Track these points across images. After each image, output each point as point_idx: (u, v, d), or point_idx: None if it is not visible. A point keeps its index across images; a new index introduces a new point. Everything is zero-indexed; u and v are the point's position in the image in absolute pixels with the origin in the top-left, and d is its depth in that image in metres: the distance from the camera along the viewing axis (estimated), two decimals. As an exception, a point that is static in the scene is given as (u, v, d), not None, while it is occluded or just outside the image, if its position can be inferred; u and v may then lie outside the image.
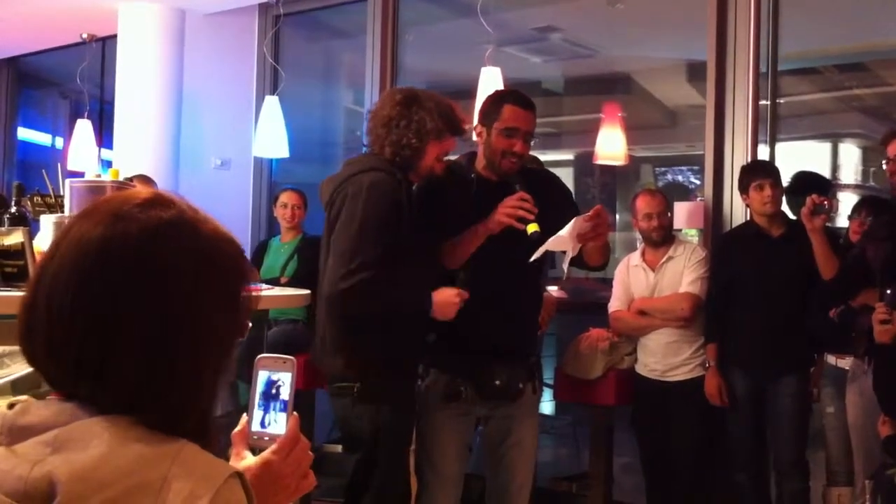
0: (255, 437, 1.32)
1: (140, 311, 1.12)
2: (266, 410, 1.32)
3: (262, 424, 1.32)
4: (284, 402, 1.32)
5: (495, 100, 3.30)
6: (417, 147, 3.06)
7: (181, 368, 1.14)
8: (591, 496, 4.51)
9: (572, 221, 2.98)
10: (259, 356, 1.34)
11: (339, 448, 5.52)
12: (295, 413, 1.34)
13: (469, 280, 3.10)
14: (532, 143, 3.29)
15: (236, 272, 1.22)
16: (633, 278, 4.40)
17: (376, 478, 3.11)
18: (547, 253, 3.20)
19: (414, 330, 3.16)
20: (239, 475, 1.11)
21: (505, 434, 3.33)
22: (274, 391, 1.33)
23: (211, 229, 1.21)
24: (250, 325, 1.26)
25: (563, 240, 2.99)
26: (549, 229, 3.01)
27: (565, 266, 3.14)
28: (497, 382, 3.20)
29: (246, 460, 1.30)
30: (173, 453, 1.08)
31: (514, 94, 3.33)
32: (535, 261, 3.10)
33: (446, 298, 3.03)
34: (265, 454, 1.29)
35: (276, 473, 1.29)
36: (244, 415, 1.34)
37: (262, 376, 1.34)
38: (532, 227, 3.01)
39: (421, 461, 3.32)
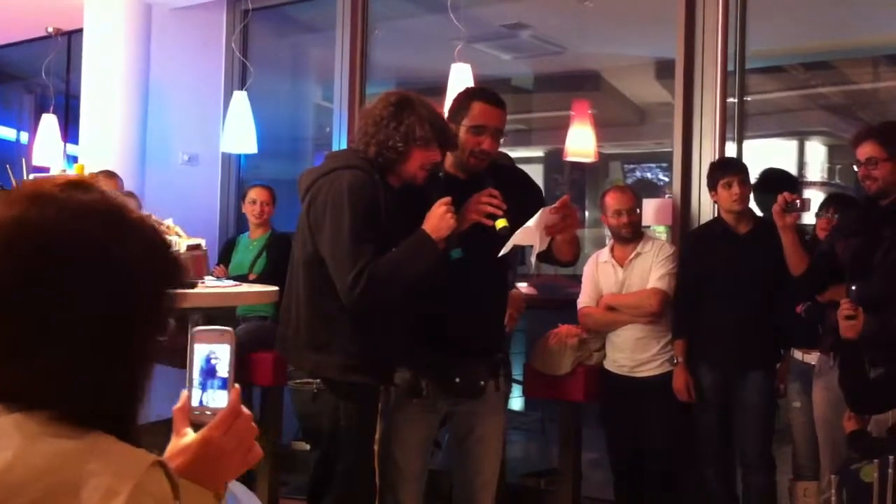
0: (197, 412, 1.28)
1: (51, 295, 1.07)
2: (206, 384, 1.29)
3: (203, 399, 1.29)
4: (224, 377, 1.30)
5: (464, 97, 3.28)
6: (402, 150, 3.02)
7: (95, 359, 1.09)
8: (560, 492, 4.52)
9: (538, 213, 2.98)
10: (195, 329, 1.31)
11: (306, 446, 5.50)
12: (236, 385, 1.30)
13: (462, 242, 3.06)
14: (502, 140, 3.28)
15: (159, 266, 1.18)
16: (601, 274, 4.41)
17: (337, 475, 3.10)
18: (517, 249, 3.19)
19: (392, 328, 3.16)
20: (161, 463, 1.07)
21: (468, 430, 3.33)
22: (213, 365, 1.30)
23: (136, 218, 1.16)
24: (171, 324, 1.22)
25: (530, 232, 2.98)
26: (518, 227, 3.00)
27: (533, 259, 3.14)
28: (457, 380, 3.20)
29: (186, 437, 1.25)
30: (88, 448, 1.04)
31: (484, 92, 3.31)
32: (502, 257, 3.08)
33: (436, 217, 2.96)
34: (204, 430, 1.25)
35: (218, 449, 1.24)
36: (184, 390, 1.30)
37: (199, 350, 1.30)
38: (501, 223, 2.99)
39: (384, 457, 3.31)
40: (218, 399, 1.29)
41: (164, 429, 1.28)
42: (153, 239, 1.17)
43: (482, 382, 3.25)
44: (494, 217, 3.00)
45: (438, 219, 2.96)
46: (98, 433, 1.06)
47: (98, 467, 1.02)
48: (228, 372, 1.30)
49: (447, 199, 2.98)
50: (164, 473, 1.07)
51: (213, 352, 1.30)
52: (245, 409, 1.28)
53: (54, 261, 1.08)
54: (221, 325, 1.35)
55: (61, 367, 1.08)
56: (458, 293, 3.15)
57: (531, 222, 2.96)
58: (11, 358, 1.07)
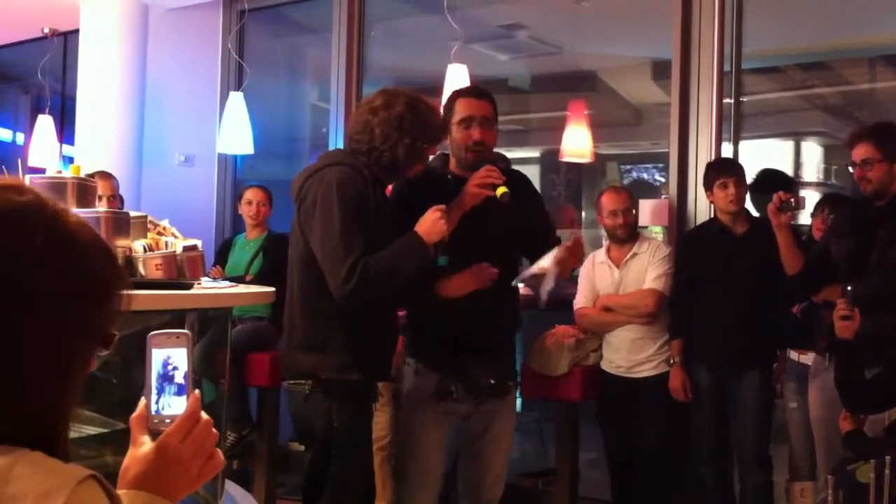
0: (156, 420, 1.22)
1: None
2: (164, 391, 1.24)
3: (162, 407, 1.24)
4: (182, 383, 1.24)
5: (449, 99, 3.39)
6: (426, 149, 3.10)
7: (21, 374, 1.03)
8: (557, 492, 4.52)
9: (554, 250, 3.08)
10: (151, 333, 1.24)
11: (303, 446, 5.49)
12: (196, 390, 1.25)
13: (449, 251, 3.12)
14: (493, 129, 3.31)
15: (101, 273, 1.11)
16: (598, 275, 4.42)
17: (331, 476, 3.10)
18: (517, 248, 3.33)
19: (388, 327, 3.17)
20: (95, 477, 1.01)
21: (486, 428, 3.38)
22: (170, 370, 1.24)
23: (74, 222, 1.10)
24: (116, 336, 1.15)
25: (545, 269, 3.08)
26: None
27: (544, 295, 3.18)
28: (491, 381, 3.26)
29: (144, 446, 1.19)
30: (7, 469, 0.97)
31: (465, 88, 3.47)
32: (509, 259, 3.25)
33: (429, 221, 3.00)
34: (161, 437, 1.19)
35: (175, 456, 1.18)
36: (142, 398, 1.24)
37: (156, 355, 1.24)
38: (501, 190, 3.07)
39: (405, 459, 3.36)
40: (177, 406, 1.23)
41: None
42: (93, 246, 1.10)
43: (510, 382, 3.36)
44: (494, 186, 3.06)
45: (431, 223, 2.99)
46: (22, 451, 1.00)
47: (19, 490, 0.95)
48: (186, 377, 1.25)
49: (442, 206, 3.03)
50: (99, 487, 1.01)
51: (169, 356, 1.25)
52: (204, 415, 1.23)
53: None
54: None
55: None
56: (473, 297, 3.19)
57: (546, 261, 3.07)
58: None
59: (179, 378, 1.24)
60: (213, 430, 1.23)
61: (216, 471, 1.24)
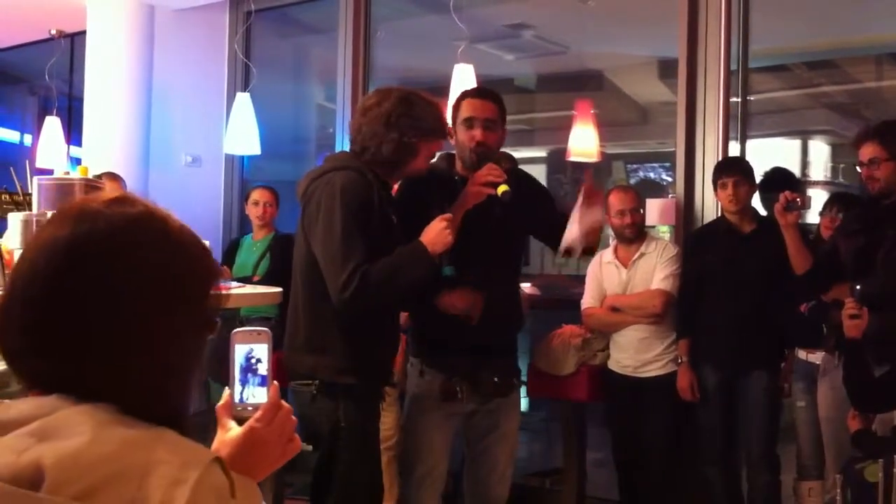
0: (239, 408, 1.37)
1: (111, 307, 1.14)
2: (245, 382, 1.38)
3: (244, 396, 1.38)
4: (263, 374, 1.38)
5: (457, 100, 3.40)
6: (416, 145, 3.05)
7: (153, 357, 1.17)
8: (565, 492, 4.52)
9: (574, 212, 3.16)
10: (234, 330, 1.39)
11: (310, 447, 5.49)
12: (275, 382, 1.39)
13: (455, 259, 3.13)
14: (497, 130, 3.31)
15: (204, 268, 1.26)
16: (605, 275, 4.41)
17: (337, 477, 3.10)
18: (522, 248, 3.36)
19: (388, 331, 3.17)
20: (219, 460, 1.14)
21: (492, 427, 3.40)
22: (252, 363, 1.38)
23: (178, 226, 1.24)
24: (219, 322, 1.29)
25: (575, 231, 3.18)
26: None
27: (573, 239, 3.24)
28: (495, 380, 3.29)
29: (232, 431, 1.35)
30: (156, 438, 1.11)
31: (471, 89, 3.49)
32: (514, 258, 3.29)
33: (434, 231, 2.98)
34: (249, 422, 1.35)
35: (261, 440, 1.35)
36: (226, 388, 1.39)
37: (239, 350, 1.39)
38: (502, 188, 3.06)
39: (410, 460, 3.37)
40: (258, 395, 1.38)
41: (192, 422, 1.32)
42: (195, 245, 1.25)
43: (514, 381, 3.38)
44: (495, 185, 3.07)
45: (436, 233, 2.97)
46: (162, 429, 1.13)
47: (166, 456, 1.08)
48: (267, 369, 1.39)
49: (448, 215, 3.01)
50: (222, 470, 1.13)
51: (251, 351, 1.38)
52: (285, 404, 1.38)
53: (105, 275, 1.15)
54: (225, 326, 1.39)
55: (125, 365, 1.15)
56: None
57: (572, 222, 3.16)
58: (81, 357, 1.14)
59: (262, 370, 1.39)
60: (293, 417, 1.39)
61: (294, 453, 1.40)
